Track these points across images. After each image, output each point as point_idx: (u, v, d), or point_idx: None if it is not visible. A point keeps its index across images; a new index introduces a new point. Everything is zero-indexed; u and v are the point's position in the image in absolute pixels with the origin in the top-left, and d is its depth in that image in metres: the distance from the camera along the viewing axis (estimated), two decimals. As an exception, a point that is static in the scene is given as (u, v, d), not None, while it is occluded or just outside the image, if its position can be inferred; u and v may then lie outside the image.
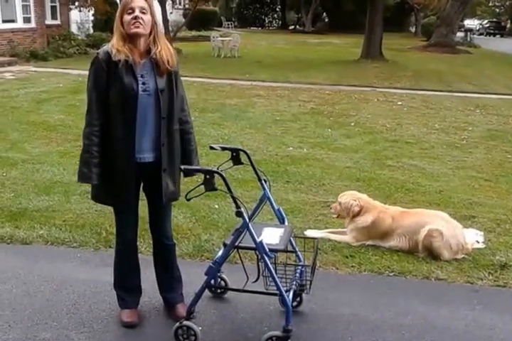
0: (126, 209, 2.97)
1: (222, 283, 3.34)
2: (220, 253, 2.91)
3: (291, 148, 7.03)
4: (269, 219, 4.26)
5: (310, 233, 4.30)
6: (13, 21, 16.82)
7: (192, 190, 2.71)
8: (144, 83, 2.78)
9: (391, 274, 3.76)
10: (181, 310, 3.10)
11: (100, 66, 2.76)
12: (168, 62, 2.80)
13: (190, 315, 2.92)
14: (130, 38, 2.76)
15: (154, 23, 2.78)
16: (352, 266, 3.84)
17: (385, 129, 8.36)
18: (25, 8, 17.21)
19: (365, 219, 4.13)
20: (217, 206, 4.82)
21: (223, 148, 3.17)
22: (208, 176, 2.65)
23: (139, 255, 3.23)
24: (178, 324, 2.91)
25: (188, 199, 2.74)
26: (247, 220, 2.71)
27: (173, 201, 3.09)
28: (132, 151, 2.80)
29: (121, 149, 2.80)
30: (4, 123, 8.01)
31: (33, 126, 7.83)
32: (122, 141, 2.78)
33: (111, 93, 2.75)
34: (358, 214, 4.18)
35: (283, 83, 13.06)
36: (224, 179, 2.66)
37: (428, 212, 4.36)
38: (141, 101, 2.77)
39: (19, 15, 17.00)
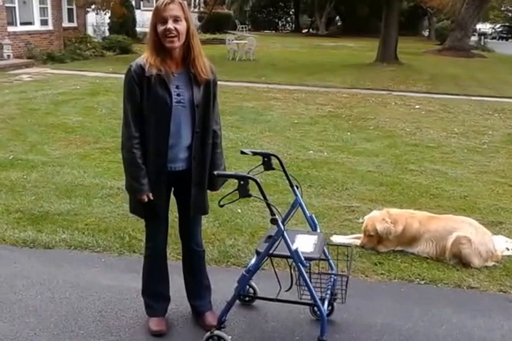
0: (158, 217, 2.91)
1: (251, 290, 3.27)
2: (253, 261, 2.84)
3: (311, 152, 6.96)
4: (293, 224, 4.18)
5: (336, 239, 4.23)
6: (30, 24, 16.91)
7: (225, 196, 2.66)
8: (178, 94, 2.70)
9: (422, 282, 3.68)
10: (210, 318, 3.04)
11: (132, 79, 2.67)
12: (202, 71, 2.71)
13: (221, 324, 2.85)
14: (164, 49, 2.66)
15: (189, 28, 2.65)
16: (381, 274, 3.76)
17: (404, 133, 8.27)
18: (43, 11, 17.30)
19: (396, 230, 4.04)
20: (240, 210, 4.76)
21: (254, 153, 3.10)
22: (242, 182, 2.58)
23: (164, 260, 3.16)
24: (208, 333, 2.84)
25: (222, 206, 2.69)
26: (282, 228, 2.64)
27: (202, 214, 3.04)
28: (164, 163, 2.75)
29: (154, 161, 2.74)
30: (23, 125, 8.00)
31: (52, 128, 7.82)
32: (155, 153, 2.73)
33: (145, 106, 2.68)
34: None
35: (299, 86, 13.00)
36: (259, 185, 2.59)
37: (456, 218, 4.27)
38: (175, 113, 2.70)
39: (36, 18, 17.09)
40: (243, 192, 2.59)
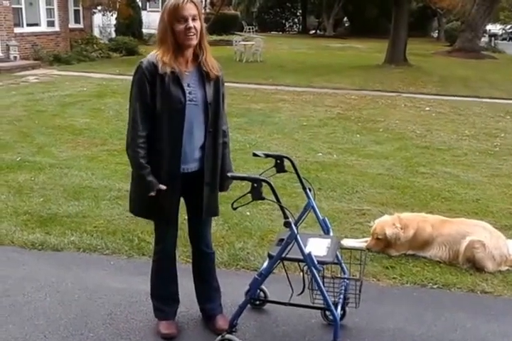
0: (169, 221, 2.87)
1: (262, 294, 3.23)
2: (266, 264, 2.80)
3: (320, 154, 6.91)
4: (303, 227, 4.12)
5: (347, 242, 4.17)
6: (37, 25, 16.91)
7: (238, 198, 2.63)
8: (190, 92, 2.67)
9: (434, 286, 3.63)
10: (221, 321, 3.01)
11: (144, 76, 2.62)
12: (213, 68, 2.71)
13: (232, 328, 2.81)
14: (179, 48, 2.64)
15: (202, 27, 2.65)
16: (393, 278, 3.71)
17: (414, 135, 8.19)
18: (49, 12, 17.29)
19: (406, 235, 3.99)
20: (248, 213, 4.72)
21: (267, 155, 3.07)
22: (255, 185, 2.55)
23: (175, 263, 3.13)
24: (220, 337, 2.81)
25: (235, 209, 2.66)
26: (296, 231, 2.60)
27: (214, 216, 3.01)
28: (178, 164, 2.71)
29: (169, 163, 2.70)
30: (30, 126, 8.00)
31: (59, 130, 7.81)
32: (168, 153, 2.69)
33: (157, 104, 2.64)
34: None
35: (307, 88, 12.92)
36: (272, 188, 2.55)
37: (470, 221, 4.21)
38: (188, 112, 2.66)
39: (43, 19, 17.08)
40: (256, 194, 2.55)
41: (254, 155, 3.01)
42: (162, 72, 2.60)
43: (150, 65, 2.62)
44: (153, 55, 2.66)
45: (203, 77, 2.70)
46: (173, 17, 2.58)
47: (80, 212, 4.74)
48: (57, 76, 13.90)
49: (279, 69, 16.68)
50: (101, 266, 3.83)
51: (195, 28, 2.59)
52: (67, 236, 4.24)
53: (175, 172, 2.72)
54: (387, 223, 4.08)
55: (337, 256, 3.01)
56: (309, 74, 15.26)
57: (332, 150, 7.16)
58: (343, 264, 3.08)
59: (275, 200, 2.58)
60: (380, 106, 10.76)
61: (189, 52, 2.68)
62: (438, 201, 5.24)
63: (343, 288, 2.94)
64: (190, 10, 2.57)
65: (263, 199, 2.55)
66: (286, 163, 3.04)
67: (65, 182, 5.54)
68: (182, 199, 2.95)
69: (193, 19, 2.59)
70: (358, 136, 8.06)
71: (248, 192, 2.56)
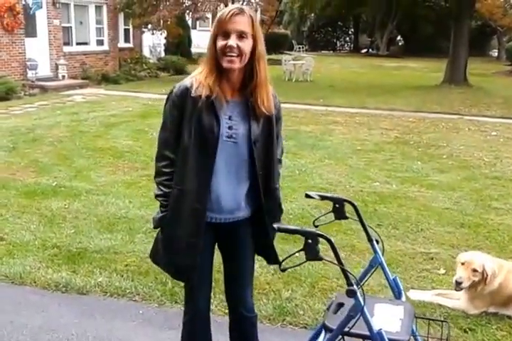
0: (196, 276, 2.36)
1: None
2: (321, 339, 2.21)
3: (377, 184, 6.26)
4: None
5: (414, 294, 3.54)
6: (86, 44, 16.91)
7: (288, 257, 2.10)
8: (230, 127, 2.17)
9: (527, 360, 2.94)
10: None
11: (174, 103, 2.20)
12: (263, 103, 2.17)
13: None
14: (222, 69, 2.14)
15: (255, 48, 2.11)
16: (474, 345, 3.04)
17: (482, 163, 7.39)
18: (99, 31, 17.26)
19: (492, 284, 3.31)
20: (298, 255, 4.11)
21: (323, 198, 2.50)
22: (309, 241, 1.99)
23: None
24: None
25: (284, 270, 2.12)
26: (362, 303, 2.00)
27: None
28: (203, 209, 2.21)
29: (191, 205, 2.21)
30: (71, 149, 7.71)
31: (100, 153, 7.49)
32: (193, 195, 2.20)
33: (186, 135, 2.17)
34: None
35: (360, 109, 12.25)
36: (332, 245, 1.99)
37: None
38: (226, 150, 2.17)
39: (92, 38, 17.08)
40: (312, 253, 2.00)
41: (308, 196, 2.47)
42: (195, 95, 2.12)
43: (182, 90, 2.17)
44: (190, 77, 2.21)
45: (249, 110, 2.18)
46: (217, 30, 2.09)
47: (112, 246, 4.31)
48: (103, 95, 13.79)
49: (330, 89, 16.11)
50: (128, 316, 3.35)
51: (239, 47, 2.06)
52: (95, 275, 3.82)
53: (199, 219, 2.21)
54: (486, 256, 3.45)
55: (411, 327, 2.40)
56: (362, 95, 14.60)
57: (390, 179, 6.50)
58: (418, 337, 2.46)
59: (336, 262, 2.01)
60: (441, 130, 9.98)
61: (236, 77, 2.17)
62: (518, 244, 4.52)
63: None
64: (236, 24, 2.05)
65: (320, 259, 1.99)
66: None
67: (100, 211, 5.15)
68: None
69: (240, 36, 2.06)
70: (418, 163, 7.35)
71: (301, 250, 2.01)
